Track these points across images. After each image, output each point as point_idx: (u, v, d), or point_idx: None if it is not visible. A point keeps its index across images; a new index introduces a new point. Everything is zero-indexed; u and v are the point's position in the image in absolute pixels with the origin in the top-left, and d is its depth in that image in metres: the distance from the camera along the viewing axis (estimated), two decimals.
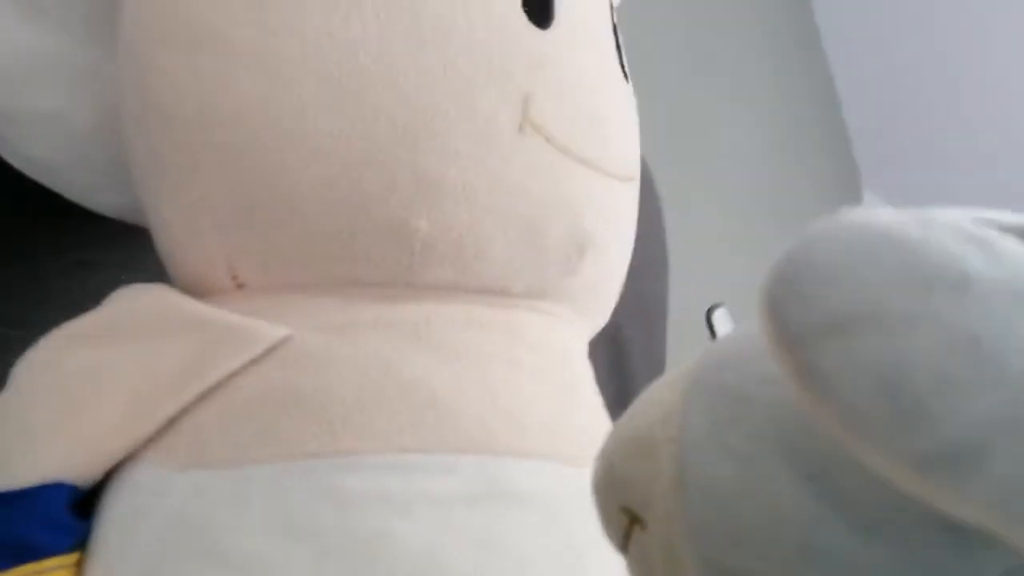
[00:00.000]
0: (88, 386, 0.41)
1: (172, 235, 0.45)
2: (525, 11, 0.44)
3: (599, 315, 0.53)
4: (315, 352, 0.41)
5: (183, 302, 0.43)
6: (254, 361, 0.40)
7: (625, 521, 0.27)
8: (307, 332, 0.41)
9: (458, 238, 0.42)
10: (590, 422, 0.47)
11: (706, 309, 1.16)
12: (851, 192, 2.94)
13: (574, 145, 0.45)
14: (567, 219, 0.45)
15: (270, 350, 0.40)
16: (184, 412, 0.40)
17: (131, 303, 0.44)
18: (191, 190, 0.43)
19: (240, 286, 0.44)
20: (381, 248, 0.42)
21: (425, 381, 0.41)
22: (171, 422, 0.40)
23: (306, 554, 0.36)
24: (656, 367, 1.39)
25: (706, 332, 1.21)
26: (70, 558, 0.38)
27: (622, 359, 1.19)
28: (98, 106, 0.50)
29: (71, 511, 0.39)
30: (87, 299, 0.47)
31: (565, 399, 0.46)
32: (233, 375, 0.40)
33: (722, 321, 1.10)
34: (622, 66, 0.52)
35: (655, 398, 0.27)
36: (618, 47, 0.52)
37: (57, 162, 0.54)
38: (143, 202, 0.47)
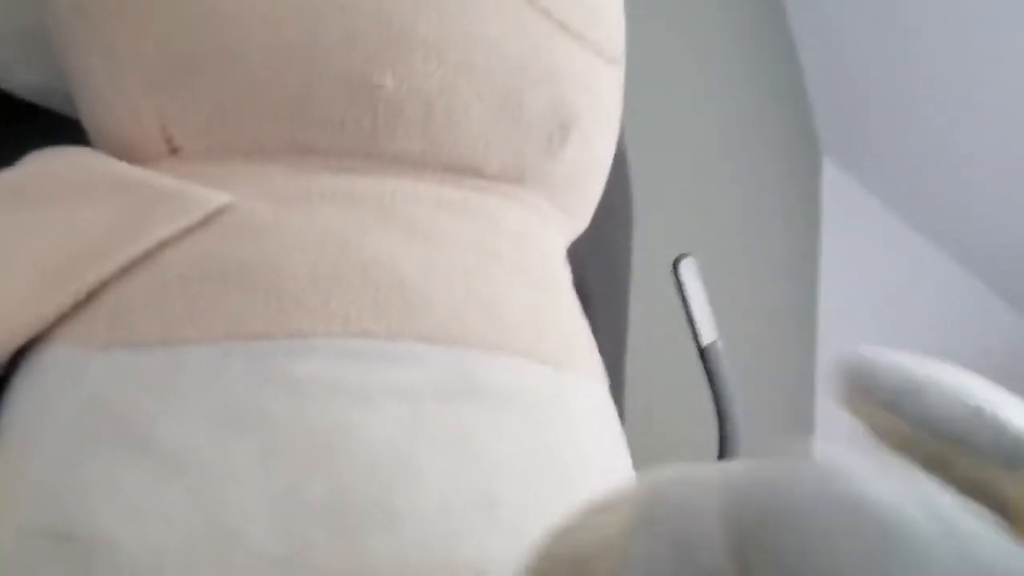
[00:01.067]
0: None
1: (96, 95, 0.39)
2: None
3: (579, 215, 0.49)
4: (262, 222, 0.35)
5: (107, 162, 0.37)
6: (190, 230, 0.34)
7: None
8: (253, 201, 0.36)
9: (428, 100, 0.37)
10: (571, 326, 0.43)
11: (672, 259, 1.12)
12: (810, 157, 2.94)
13: (557, 8, 0.41)
14: (549, 90, 0.41)
15: (209, 218, 0.35)
16: (106, 285, 0.34)
17: (44, 164, 0.38)
18: (118, 37, 0.37)
19: (174, 151, 0.38)
20: (340, 107, 0.37)
21: (390, 261, 0.35)
22: (91, 295, 0.34)
23: (250, 447, 0.31)
24: (619, 320, 1.36)
25: (671, 282, 1.17)
26: None
27: (584, 312, 1.16)
28: None
29: None
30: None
31: (545, 298, 0.41)
32: (165, 245, 0.34)
33: (689, 271, 1.06)
34: None
35: (597, 520, 0.26)
36: None
37: None
38: (64, 62, 0.41)
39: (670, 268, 1.20)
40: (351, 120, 0.37)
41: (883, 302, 3.07)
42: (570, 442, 0.38)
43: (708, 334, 1.09)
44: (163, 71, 0.36)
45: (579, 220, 0.49)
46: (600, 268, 0.93)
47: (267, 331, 0.33)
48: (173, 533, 0.29)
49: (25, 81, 0.49)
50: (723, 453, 1.06)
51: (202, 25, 0.35)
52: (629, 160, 1.02)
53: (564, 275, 0.45)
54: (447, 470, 0.33)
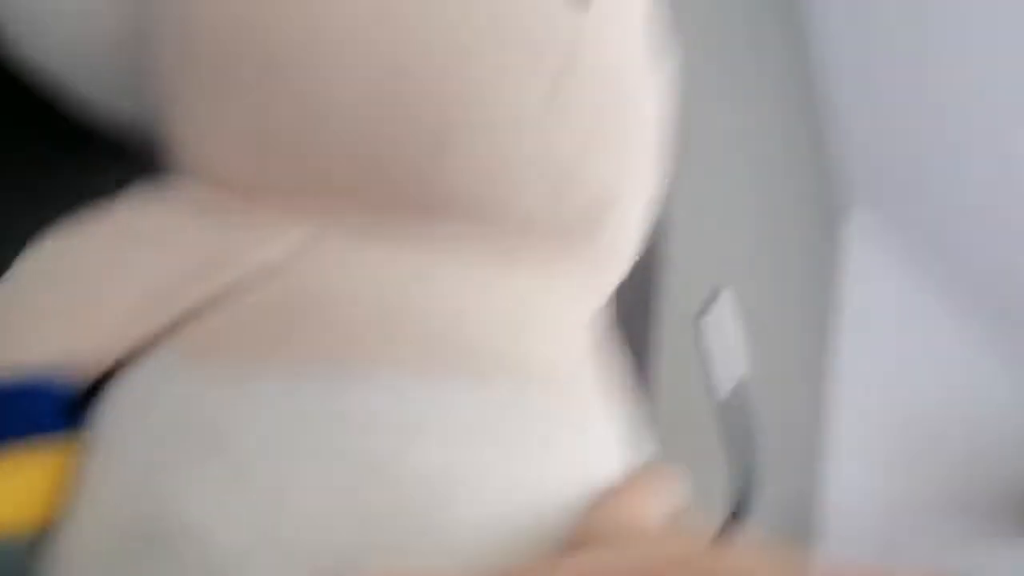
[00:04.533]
0: (100, 273, 0.40)
1: (189, 144, 0.44)
2: None
3: (610, 277, 0.53)
4: (334, 259, 0.40)
5: (194, 207, 0.42)
6: (271, 261, 0.40)
7: None
8: (327, 239, 0.41)
9: (480, 191, 0.42)
10: (596, 375, 0.47)
11: (708, 292, 1.15)
12: (836, 208, 2.95)
13: (600, 121, 0.46)
14: (589, 186, 0.46)
15: (288, 252, 0.40)
16: (197, 307, 0.39)
17: (145, 200, 0.43)
18: (215, 103, 0.42)
19: (252, 201, 0.43)
20: (403, 186, 0.41)
21: (444, 303, 0.40)
22: (183, 316, 0.39)
23: (314, 459, 0.35)
24: (642, 349, 1.37)
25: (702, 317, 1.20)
26: (68, 443, 0.37)
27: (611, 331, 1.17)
28: (126, 14, 0.49)
29: (72, 400, 0.38)
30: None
31: (575, 348, 0.46)
32: (249, 274, 0.39)
33: (726, 302, 1.08)
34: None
35: None
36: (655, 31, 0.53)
37: (66, 67, 0.52)
38: (163, 113, 0.46)
39: (706, 299, 1.21)
40: (409, 198, 0.41)
41: (898, 357, 3.07)
42: (584, 468, 0.42)
43: (736, 371, 1.10)
44: (254, 138, 0.41)
45: (611, 281, 0.54)
46: (626, 296, 0.98)
47: (335, 360, 0.37)
48: (249, 533, 0.33)
49: (108, 116, 0.55)
50: (742, 482, 1.07)
51: (294, 105, 0.40)
52: (665, 194, 1.04)
53: (593, 328, 0.50)
54: (491, 486, 0.37)
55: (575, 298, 0.48)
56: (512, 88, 0.42)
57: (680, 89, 1.64)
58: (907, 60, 2.53)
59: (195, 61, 0.42)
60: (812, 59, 2.71)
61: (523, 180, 0.43)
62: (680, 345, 1.31)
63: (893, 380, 3.07)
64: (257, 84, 0.41)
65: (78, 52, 0.51)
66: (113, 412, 0.38)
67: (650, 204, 0.54)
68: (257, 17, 0.40)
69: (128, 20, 0.49)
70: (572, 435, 0.41)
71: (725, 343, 0.96)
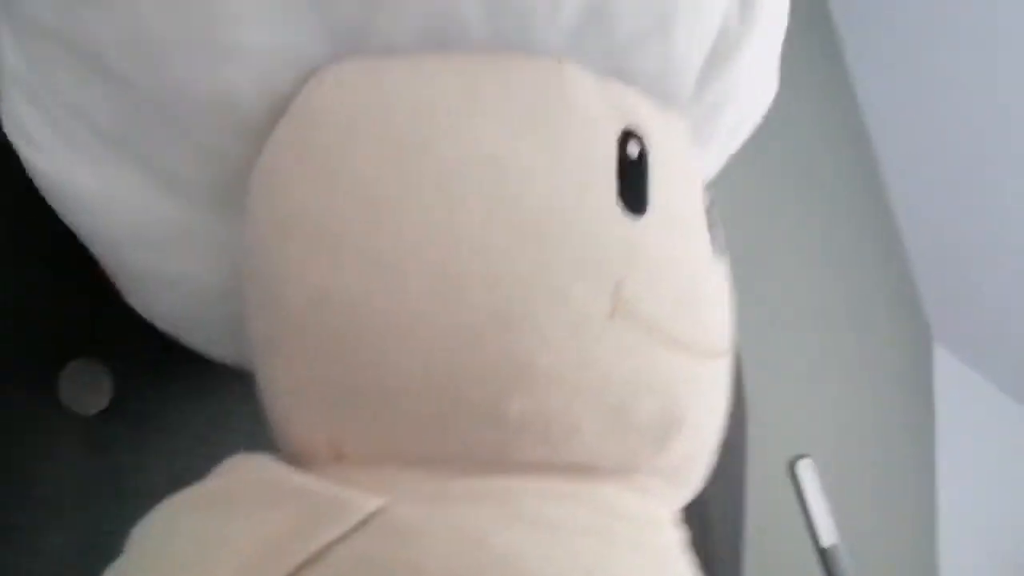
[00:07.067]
0: (199, 553, 0.43)
1: (280, 407, 0.48)
2: (620, 199, 0.46)
3: (690, 485, 0.54)
4: (407, 524, 0.42)
5: (285, 473, 0.45)
6: (350, 531, 0.42)
7: None
8: (400, 504, 0.43)
9: (547, 419, 0.44)
10: None
11: (788, 460, 1.15)
12: (923, 346, 2.91)
13: (665, 328, 0.46)
14: (656, 400, 0.46)
15: (365, 520, 0.42)
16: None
17: (237, 473, 0.47)
18: (300, 370, 0.46)
19: (339, 458, 0.46)
20: (475, 430, 0.44)
21: (517, 556, 0.41)
22: None
23: None
24: (736, 517, 1.36)
25: (788, 483, 1.19)
26: None
27: (702, 510, 1.17)
28: (224, 274, 0.55)
29: None
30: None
31: (658, 569, 0.47)
32: (330, 544, 0.41)
33: (807, 472, 1.08)
34: (716, 243, 0.53)
35: None
36: (713, 223, 0.53)
37: (179, 318, 0.60)
38: (258, 374, 0.50)
39: (786, 469, 1.22)
40: (485, 438, 0.44)
41: (1003, 491, 2.98)
42: None
43: (828, 536, 1.10)
44: (335, 398, 0.45)
45: (690, 489, 0.54)
46: (716, 467, 0.97)
47: None
48: None
49: (226, 353, 0.64)
50: None
51: (367, 365, 0.44)
52: (742, 358, 1.05)
53: (676, 539, 0.51)
54: None
55: (652, 507, 0.49)
56: (576, 305, 0.43)
57: (760, 245, 1.66)
58: (979, 201, 2.54)
59: (277, 334, 0.47)
60: (885, 207, 2.73)
61: (586, 405, 0.44)
62: (770, 504, 1.31)
63: (998, 520, 2.97)
64: (335, 355, 0.44)
65: (184, 306, 0.58)
66: None
67: (722, 405, 0.53)
68: (335, 295, 0.44)
69: (225, 279, 0.55)
70: None
71: (809, 512, 0.96)
